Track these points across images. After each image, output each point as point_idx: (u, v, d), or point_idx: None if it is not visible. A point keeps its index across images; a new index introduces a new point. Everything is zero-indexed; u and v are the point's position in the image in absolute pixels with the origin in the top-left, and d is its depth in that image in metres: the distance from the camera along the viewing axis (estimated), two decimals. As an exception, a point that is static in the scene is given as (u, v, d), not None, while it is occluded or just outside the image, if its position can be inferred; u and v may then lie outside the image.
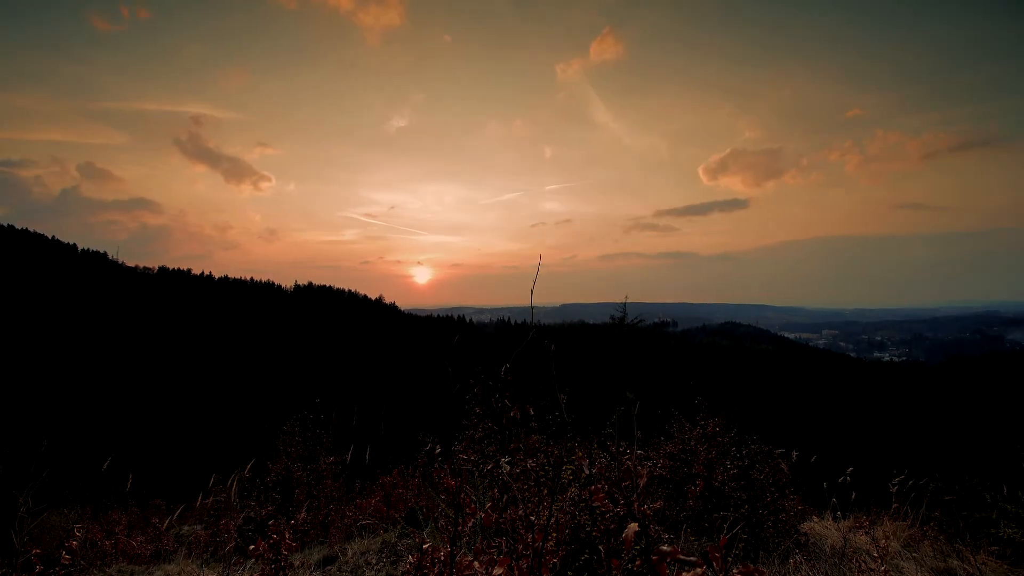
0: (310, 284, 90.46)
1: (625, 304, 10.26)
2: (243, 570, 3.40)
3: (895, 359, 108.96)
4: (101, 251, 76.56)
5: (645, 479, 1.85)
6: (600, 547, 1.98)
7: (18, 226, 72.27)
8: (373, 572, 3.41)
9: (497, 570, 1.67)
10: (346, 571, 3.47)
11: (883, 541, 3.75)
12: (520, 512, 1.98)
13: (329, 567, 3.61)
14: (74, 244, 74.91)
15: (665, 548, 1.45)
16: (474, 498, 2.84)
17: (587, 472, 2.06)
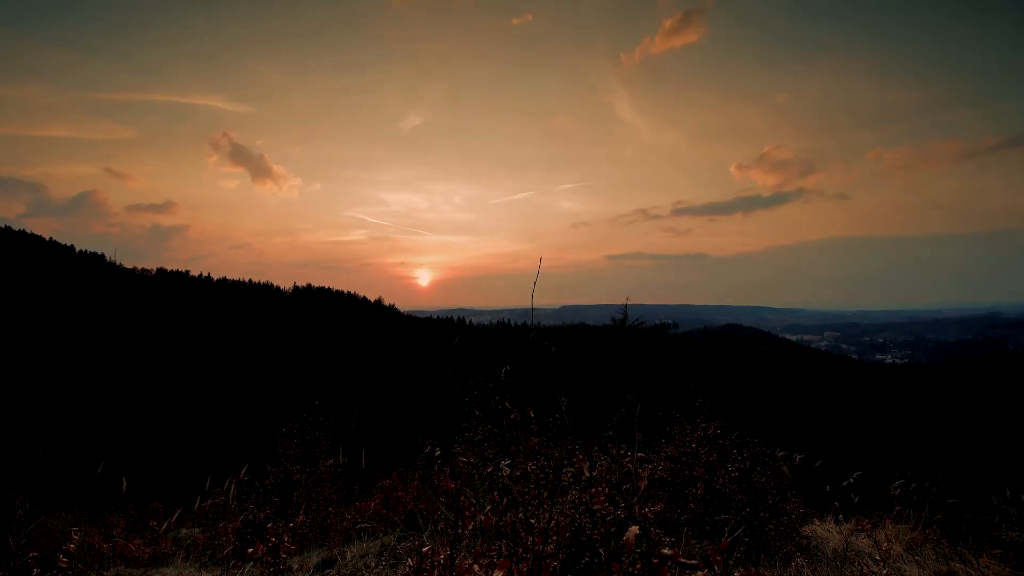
0: (309, 285, 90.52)
1: (626, 306, 10.24)
2: (241, 573, 3.38)
3: (897, 361, 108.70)
4: (99, 252, 76.60)
5: (646, 482, 1.84)
6: (601, 550, 1.96)
7: (15, 227, 72.44)
8: (372, 575, 3.39)
9: (497, 573, 1.66)
10: (345, 574, 3.45)
11: (885, 544, 3.72)
12: (520, 515, 1.97)
13: (328, 570, 3.59)
14: (71, 245, 75.05)
15: (666, 551, 1.44)
16: (474, 501, 2.83)
17: (587, 475, 2.05)
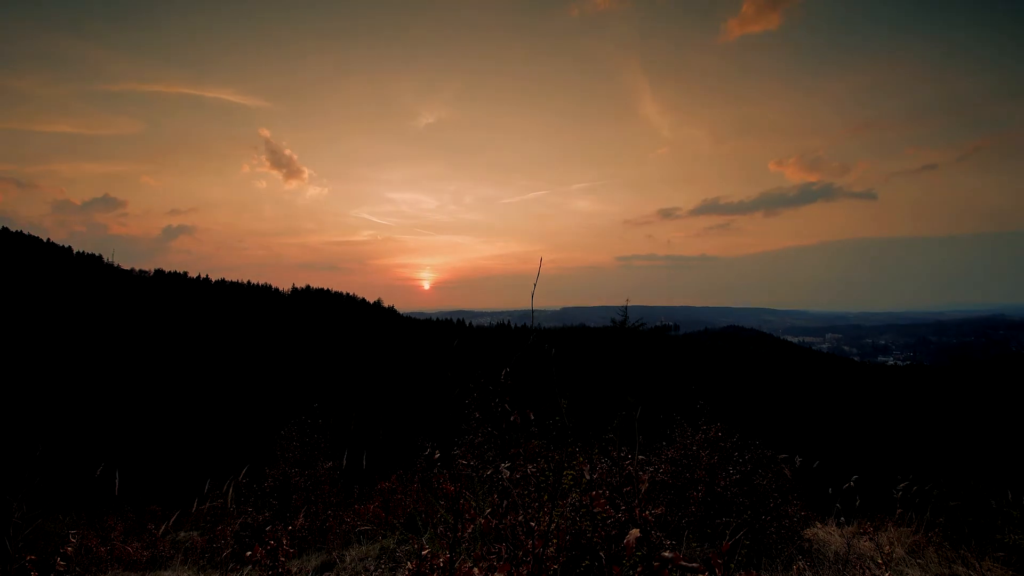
0: (308, 287, 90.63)
1: (626, 307, 10.24)
2: (240, 577, 3.36)
3: (899, 363, 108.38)
4: (96, 254, 76.74)
5: (647, 484, 1.83)
6: (601, 553, 1.95)
7: (12, 229, 72.36)
8: (371, 579, 3.37)
9: (496, 577, 1.65)
10: (344, 578, 3.43)
11: (887, 547, 3.70)
12: (520, 518, 1.96)
13: (327, 573, 3.57)
14: (69, 247, 75.17)
15: (667, 554, 1.43)
16: (474, 504, 2.81)
17: (588, 477, 2.04)
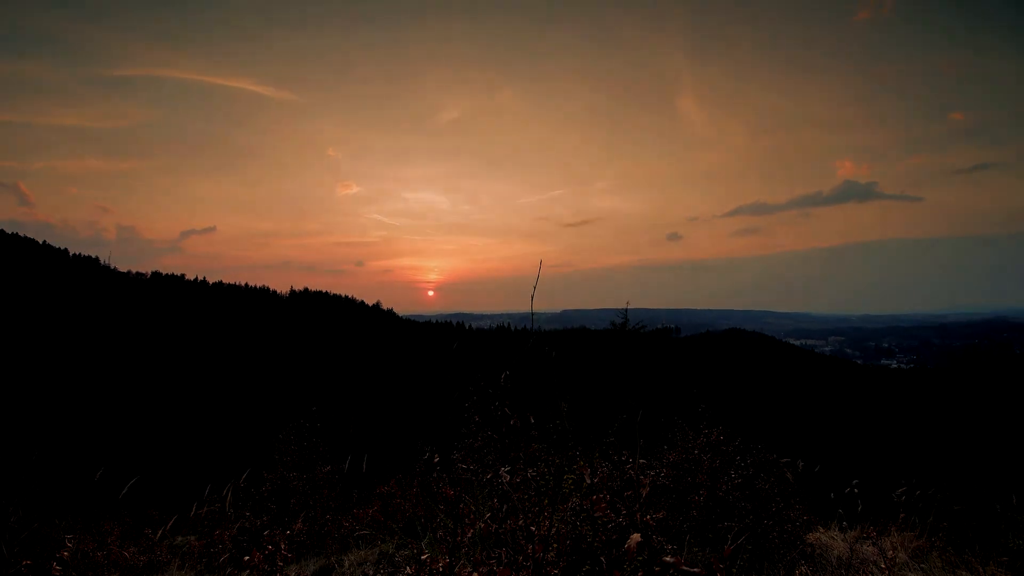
0: (306, 289, 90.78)
1: (627, 310, 10.25)
2: (238, 581, 3.33)
3: (902, 366, 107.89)
4: (93, 256, 76.91)
5: (648, 489, 1.81)
6: (602, 558, 1.93)
7: (8, 231, 72.34)
8: (370, 584, 3.34)
9: (496, 582, 1.63)
10: (343, 583, 3.41)
11: (890, 552, 3.67)
12: (520, 522, 1.94)
13: (326, 578, 3.54)
14: (65, 249, 75.27)
15: (668, 559, 1.42)
16: (473, 508, 2.79)
17: (589, 481, 2.03)
